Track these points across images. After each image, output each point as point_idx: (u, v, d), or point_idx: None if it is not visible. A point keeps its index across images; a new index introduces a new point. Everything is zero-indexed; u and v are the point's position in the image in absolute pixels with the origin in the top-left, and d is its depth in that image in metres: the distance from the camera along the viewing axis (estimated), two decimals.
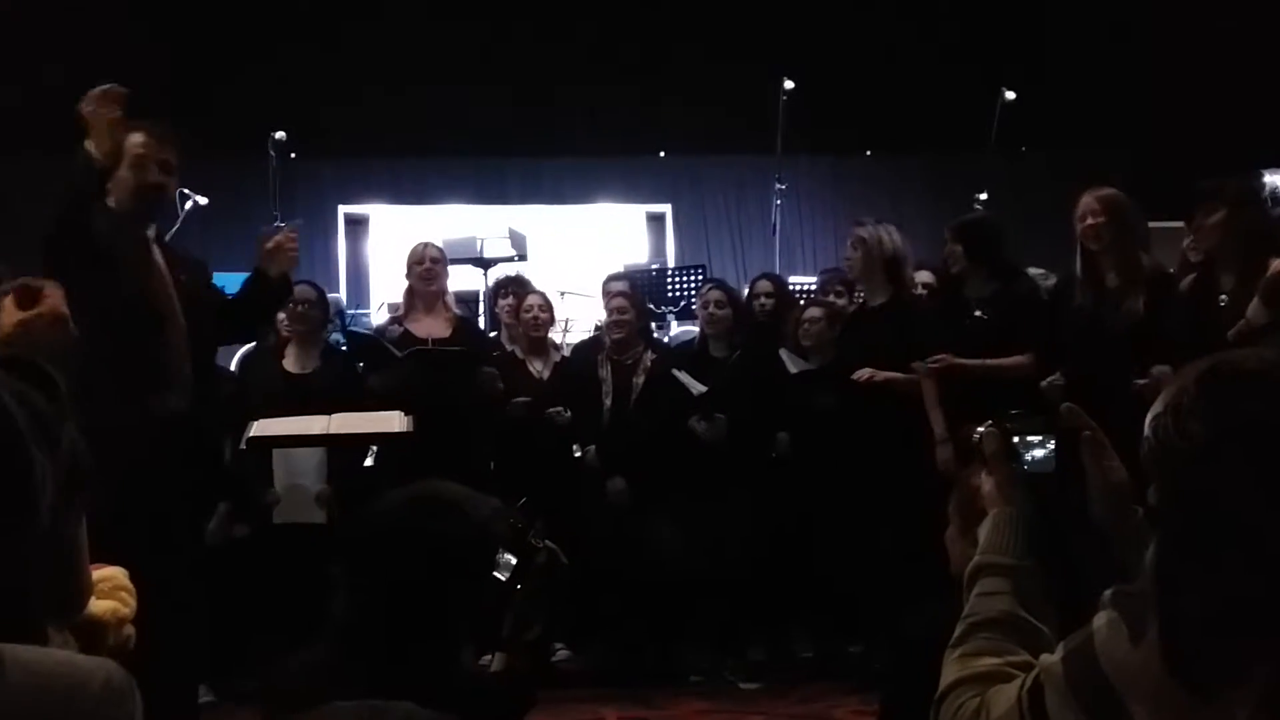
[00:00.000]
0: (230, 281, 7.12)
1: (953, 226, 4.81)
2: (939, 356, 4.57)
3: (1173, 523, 1.03)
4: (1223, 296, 4.03)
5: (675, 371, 5.25)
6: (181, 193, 7.22)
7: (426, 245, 5.36)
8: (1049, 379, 4.40)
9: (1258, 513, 0.95)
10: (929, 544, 2.46)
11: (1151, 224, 4.63)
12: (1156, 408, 1.14)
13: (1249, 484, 0.97)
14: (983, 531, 1.58)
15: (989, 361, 4.50)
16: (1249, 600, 0.92)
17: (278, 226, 4.10)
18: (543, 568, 1.72)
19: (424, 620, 1.62)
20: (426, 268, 5.27)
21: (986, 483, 1.60)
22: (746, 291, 5.99)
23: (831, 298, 5.90)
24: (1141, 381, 3.91)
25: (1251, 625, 0.91)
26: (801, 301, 6.22)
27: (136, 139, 3.68)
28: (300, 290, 5.39)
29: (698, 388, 5.14)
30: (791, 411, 5.21)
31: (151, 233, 3.78)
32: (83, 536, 1.95)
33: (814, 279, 6.94)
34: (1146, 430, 1.15)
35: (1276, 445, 1.00)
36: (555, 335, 6.07)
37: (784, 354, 5.21)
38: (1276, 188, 7.04)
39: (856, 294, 5.73)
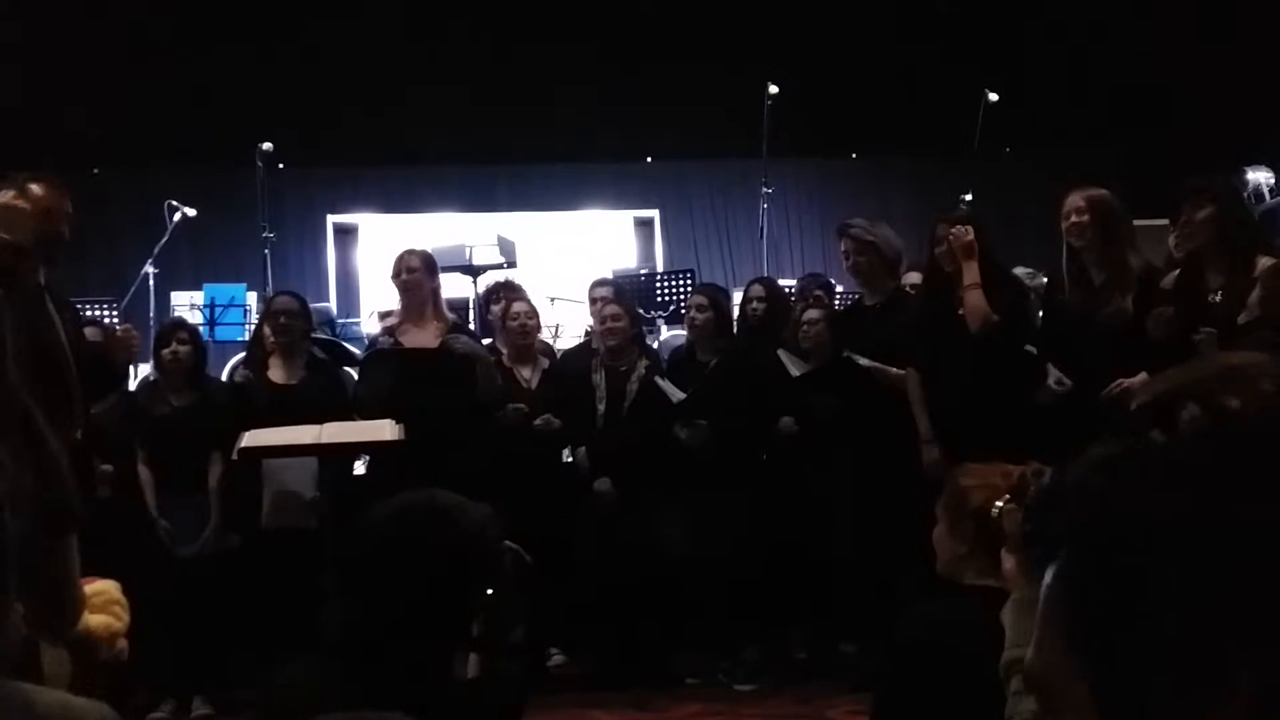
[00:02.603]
0: (219, 293, 7.19)
1: (959, 221, 4.74)
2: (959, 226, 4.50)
3: (1087, 599, 0.97)
4: (1218, 293, 4.03)
5: (657, 379, 5.25)
6: (170, 205, 7.25)
7: (406, 254, 5.35)
8: (1045, 385, 4.39)
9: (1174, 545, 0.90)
10: (921, 544, 2.49)
11: (1136, 222, 4.65)
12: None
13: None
14: (1006, 619, 1.56)
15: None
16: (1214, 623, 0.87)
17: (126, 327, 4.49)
18: (510, 569, 1.73)
19: (418, 629, 1.63)
20: (404, 278, 5.27)
21: (1008, 560, 1.59)
22: (740, 296, 6.01)
23: (812, 300, 5.92)
24: (1105, 392, 3.93)
25: (1232, 638, 0.87)
26: (794, 303, 6.25)
27: (38, 191, 3.75)
28: (282, 301, 5.41)
29: (676, 395, 5.15)
30: (793, 412, 5.21)
31: (42, 278, 3.81)
32: (73, 553, 1.95)
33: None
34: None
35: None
36: (547, 338, 6.08)
37: (784, 356, 5.22)
38: (1259, 184, 7.08)
39: (839, 295, 5.72)
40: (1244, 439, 0.85)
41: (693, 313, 5.43)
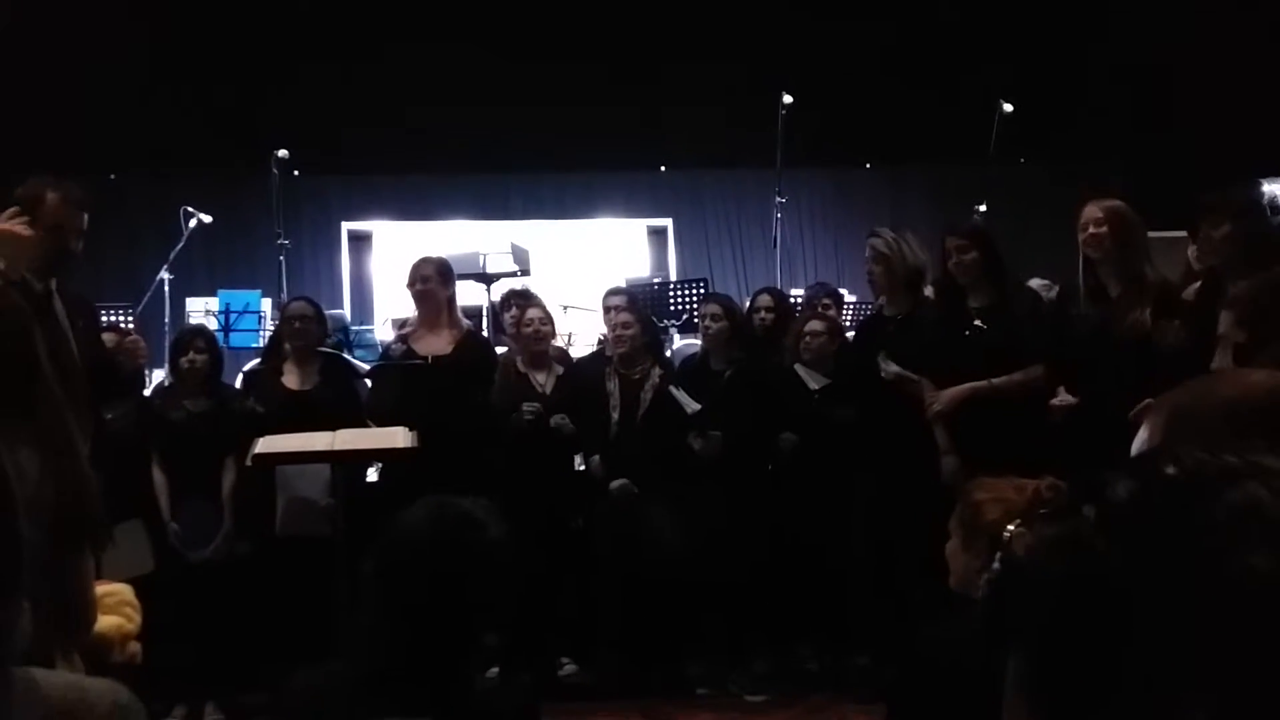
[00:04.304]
0: (234, 299, 7.21)
1: (968, 232, 4.73)
2: (947, 395, 4.54)
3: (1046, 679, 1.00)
4: None
5: (672, 388, 5.25)
6: (186, 211, 7.28)
7: (421, 262, 5.36)
8: (1058, 399, 4.36)
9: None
10: (936, 556, 2.48)
11: (1150, 234, 4.62)
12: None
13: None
14: None
15: (996, 382, 4.48)
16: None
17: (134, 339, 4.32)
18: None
19: (445, 635, 1.63)
20: (419, 287, 5.28)
21: None
22: (748, 305, 6.00)
23: (820, 310, 5.91)
24: (1133, 413, 3.88)
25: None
26: (799, 313, 6.24)
27: (51, 202, 3.72)
28: (297, 306, 5.44)
29: (692, 406, 5.15)
30: (810, 425, 5.21)
31: (53, 284, 3.79)
32: (89, 562, 1.96)
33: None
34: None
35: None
36: (560, 345, 6.08)
37: (801, 370, 5.21)
38: (1275, 197, 7.04)
39: (850, 305, 5.68)
40: (1171, 513, 0.89)
41: (707, 321, 5.43)
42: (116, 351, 4.23)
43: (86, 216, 3.83)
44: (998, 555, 1.08)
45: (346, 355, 5.98)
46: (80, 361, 3.64)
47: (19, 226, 3.59)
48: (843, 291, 6.94)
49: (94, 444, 3.64)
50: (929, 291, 5.27)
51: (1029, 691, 0.95)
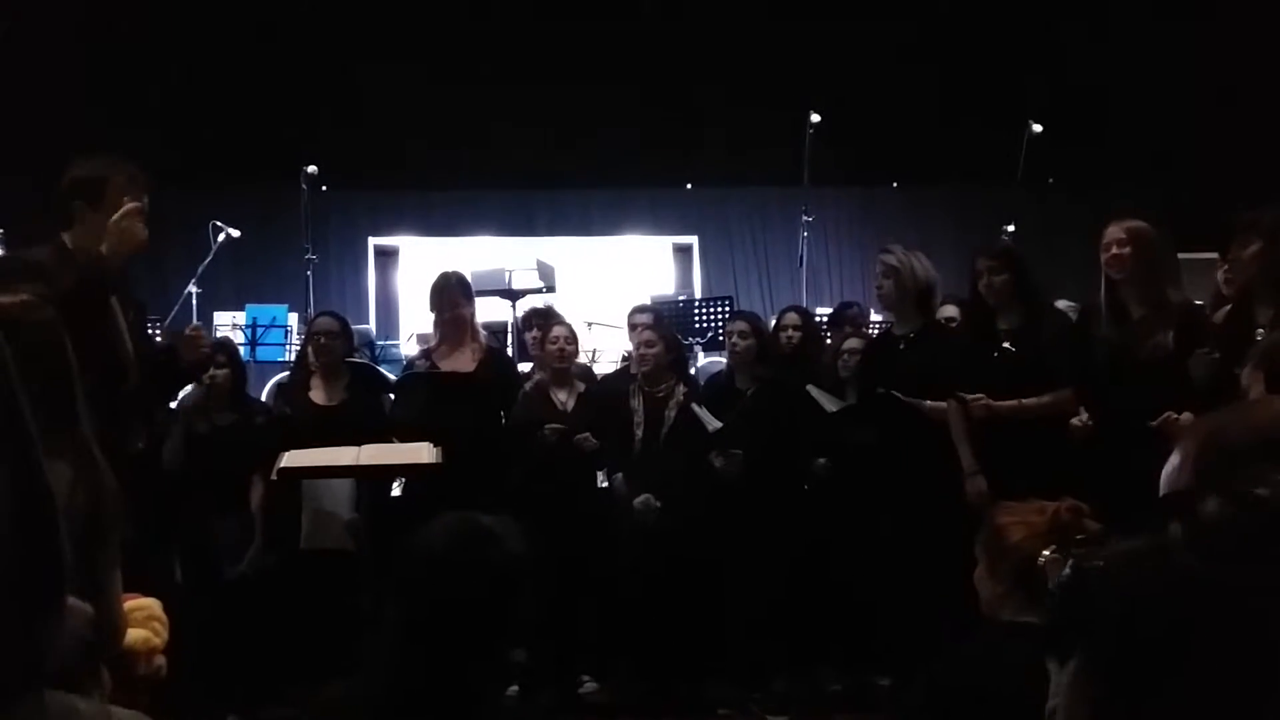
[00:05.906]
0: (261, 314, 7.27)
1: (999, 253, 4.71)
2: (978, 397, 4.51)
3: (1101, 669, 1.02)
4: (1260, 330, 3.96)
5: (694, 406, 5.24)
6: (214, 225, 7.35)
7: (444, 286, 5.32)
8: (1078, 418, 4.33)
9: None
10: (960, 578, 2.46)
11: (1181, 255, 4.58)
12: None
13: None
14: (1051, 665, 1.55)
15: (1026, 402, 4.45)
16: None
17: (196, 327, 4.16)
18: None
19: (465, 649, 1.63)
20: (447, 316, 5.27)
21: None
22: (773, 323, 6.00)
23: (860, 328, 5.89)
24: (1155, 423, 3.84)
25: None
26: (825, 333, 6.22)
27: (118, 184, 3.57)
28: (323, 322, 5.45)
29: (713, 424, 5.14)
30: (828, 448, 5.19)
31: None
32: (117, 578, 1.97)
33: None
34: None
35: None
36: (584, 362, 6.09)
37: (814, 391, 5.19)
38: None
39: (873, 326, 5.66)
40: (1263, 531, 0.91)
41: (734, 339, 5.43)
42: (179, 345, 3.97)
43: (147, 199, 3.64)
44: (1069, 563, 1.08)
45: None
46: (135, 354, 3.53)
47: (138, 223, 3.48)
48: (869, 310, 6.92)
49: (145, 451, 3.56)
50: (948, 311, 5.25)
51: (1094, 684, 0.97)
